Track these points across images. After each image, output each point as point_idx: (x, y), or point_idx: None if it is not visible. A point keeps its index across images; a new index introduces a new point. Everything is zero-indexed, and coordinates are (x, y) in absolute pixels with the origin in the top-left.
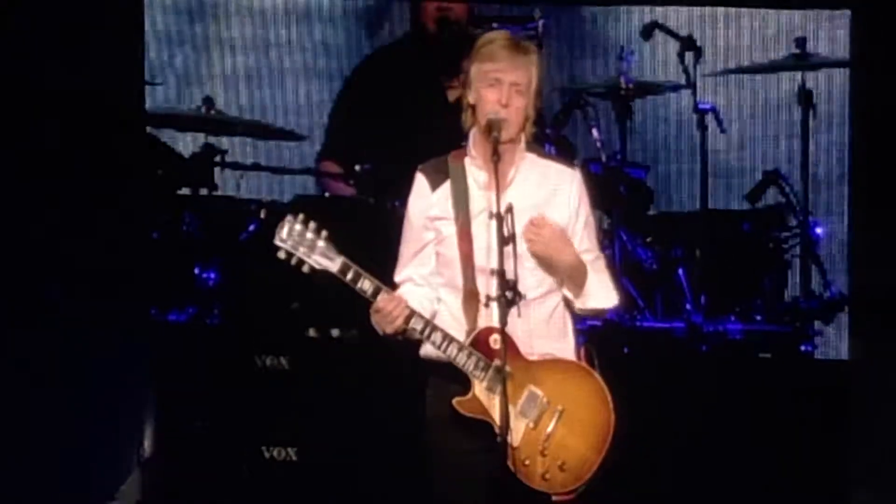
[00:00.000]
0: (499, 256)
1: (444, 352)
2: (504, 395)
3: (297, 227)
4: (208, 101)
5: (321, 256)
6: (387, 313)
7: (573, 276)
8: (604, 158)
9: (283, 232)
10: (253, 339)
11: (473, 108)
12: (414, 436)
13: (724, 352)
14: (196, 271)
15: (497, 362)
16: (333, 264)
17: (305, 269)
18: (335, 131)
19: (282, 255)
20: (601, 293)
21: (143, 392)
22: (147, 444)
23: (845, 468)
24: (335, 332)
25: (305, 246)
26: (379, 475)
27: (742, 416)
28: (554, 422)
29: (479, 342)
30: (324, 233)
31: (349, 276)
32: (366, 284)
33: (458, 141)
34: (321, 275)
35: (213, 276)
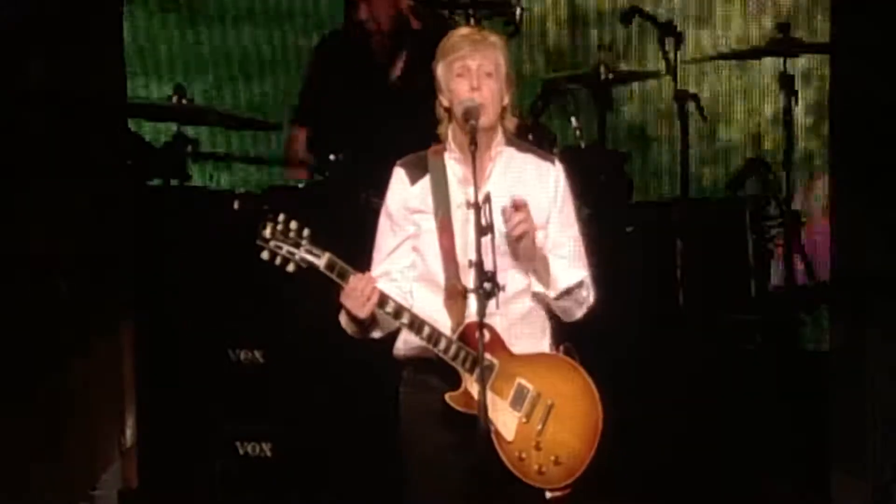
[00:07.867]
0: (476, 247)
1: (434, 346)
2: (482, 383)
3: (279, 226)
4: (180, 89)
5: (306, 254)
6: (359, 293)
7: (542, 261)
8: (583, 146)
9: (266, 232)
10: (227, 333)
11: (448, 110)
12: (391, 431)
13: (707, 342)
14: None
15: (486, 356)
16: (319, 261)
17: (290, 268)
18: (305, 109)
19: (265, 255)
20: (565, 273)
21: (124, 380)
22: (129, 433)
23: (826, 453)
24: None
25: (289, 245)
26: (355, 472)
27: (726, 406)
28: (545, 415)
29: (466, 336)
30: (306, 230)
31: (336, 271)
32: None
33: (431, 128)
34: (305, 273)
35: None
